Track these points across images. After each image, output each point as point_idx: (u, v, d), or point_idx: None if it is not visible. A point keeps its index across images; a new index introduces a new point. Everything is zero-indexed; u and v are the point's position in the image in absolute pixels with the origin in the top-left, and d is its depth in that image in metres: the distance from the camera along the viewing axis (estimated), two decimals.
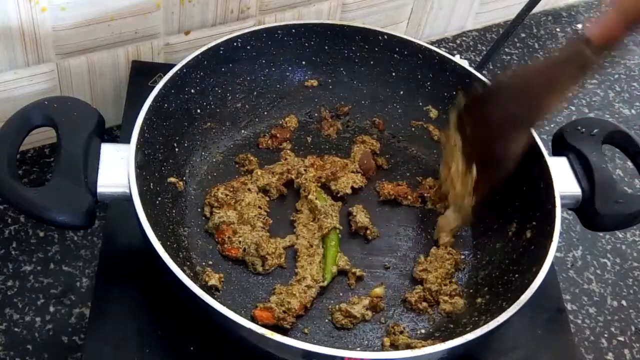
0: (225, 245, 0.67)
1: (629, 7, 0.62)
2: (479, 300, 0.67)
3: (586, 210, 0.69)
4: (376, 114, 0.82)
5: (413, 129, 0.81)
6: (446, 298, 0.67)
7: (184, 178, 0.72)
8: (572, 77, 0.65)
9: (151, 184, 0.65)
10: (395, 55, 0.79)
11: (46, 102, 0.63)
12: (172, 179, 0.69)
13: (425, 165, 0.79)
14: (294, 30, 0.78)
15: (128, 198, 0.60)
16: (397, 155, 0.79)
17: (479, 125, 0.68)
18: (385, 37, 0.79)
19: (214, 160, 0.75)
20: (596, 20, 0.63)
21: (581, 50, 0.63)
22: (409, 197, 0.75)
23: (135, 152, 0.62)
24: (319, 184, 0.74)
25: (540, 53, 1.06)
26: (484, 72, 0.94)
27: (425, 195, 0.75)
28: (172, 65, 0.70)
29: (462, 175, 0.70)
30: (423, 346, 0.57)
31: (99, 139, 0.63)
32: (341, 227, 0.70)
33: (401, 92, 0.81)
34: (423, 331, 0.66)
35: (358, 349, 0.64)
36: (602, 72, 1.06)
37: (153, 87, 0.67)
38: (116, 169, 0.61)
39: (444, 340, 0.56)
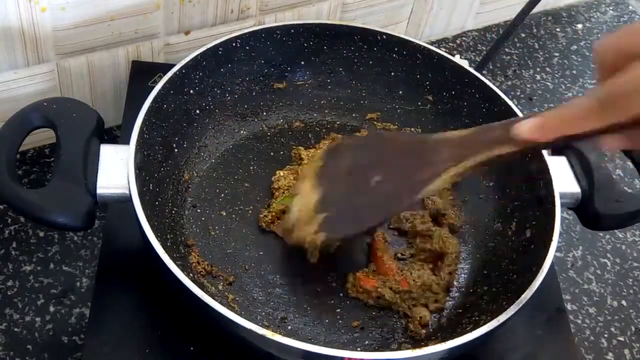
0: None
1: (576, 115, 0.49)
2: (479, 300, 0.67)
3: (586, 210, 0.69)
4: (375, 114, 0.82)
5: (412, 129, 0.81)
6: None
7: (183, 178, 0.72)
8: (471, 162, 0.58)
9: (151, 185, 0.65)
10: (394, 55, 0.79)
11: (45, 104, 0.63)
12: (172, 180, 0.69)
13: None
14: (292, 31, 0.78)
15: (128, 199, 0.60)
16: None
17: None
18: (385, 37, 0.79)
19: (213, 161, 0.75)
20: (530, 120, 0.53)
21: (498, 142, 0.55)
22: None
23: (134, 153, 0.62)
24: None
25: (540, 53, 1.06)
26: (484, 72, 0.94)
27: None
28: (172, 66, 0.70)
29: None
30: (423, 346, 0.57)
31: (98, 140, 0.63)
32: None
33: (400, 92, 0.81)
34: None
35: None
36: None
37: (153, 87, 0.67)
38: (116, 170, 0.61)
39: (444, 340, 0.56)
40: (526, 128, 0.53)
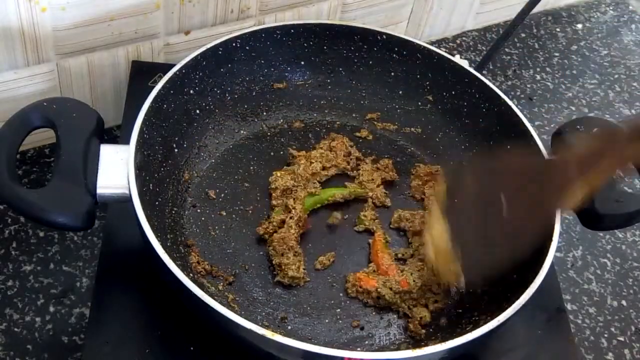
0: None
1: None
2: (479, 300, 0.67)
3: (586, 210, 0.69)
4: (375, 114, 0.82)
5: (412, 129, 0.81)
6: None
7: (183, 178, 0.72)
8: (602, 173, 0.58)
9: (150, 185, 0.65)
10: (394, 55, 0.79)
11: (45, 104, 0.63)
12: (172, 180, 0.69)
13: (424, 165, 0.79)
14: (292, 31, 0.78)
15: (128, 199, 0.60)
16: (395, 155, 0.79)
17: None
18: (384, 37, 0.79)
19: (213, 161, 0.75)
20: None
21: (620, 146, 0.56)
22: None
23: (134, 153, 0.62)
24: None
25: (540, 53, 1.06)
26: (484, 72, 0.94)
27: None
28: (172, 65, 0.70)
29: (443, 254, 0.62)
30: (423, 346, 0.57)
31: (98, 140, 0.63)
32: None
33: (400, 92, 0.81)
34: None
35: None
36: (602, 72, 1.06)
37: (153, 87, 0.67)
38: (116, 170, 0.61)
39: (444, 340, 0.56)
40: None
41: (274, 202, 0.72)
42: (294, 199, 0.70)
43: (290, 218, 0.68)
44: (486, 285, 0.65)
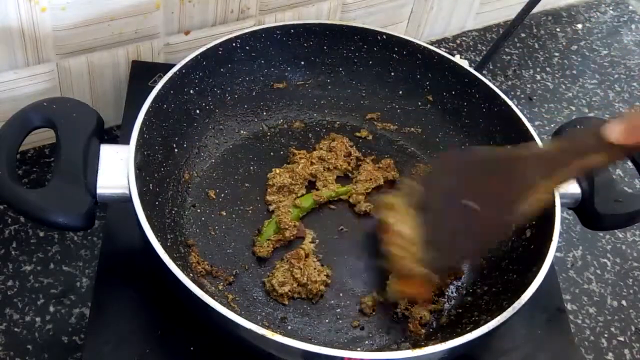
0: None
1: None
2: (479, 300, 0.67)
3: (586, 210, 0.69)
4: (375, 114, 0.82)
5: (412, 129, 0.81)
6: None
7: (183, 178, 0.72)
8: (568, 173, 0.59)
9: (150, 185, 0.65)
10: (394, 55, 0.79)
11: (45, 104, 0.63)
12: (172, 180, 0.69)
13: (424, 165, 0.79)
14: (292, 31, 0.78)
15: (128, 199, 0.60)
16: (395, 155, 0.79)
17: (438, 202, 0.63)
18: (384, 37, 0.79)
19: (213, 161, 0.75)
20: (619, 122, 0.54)
21: (589, 151, 0.56)
22: None
23: (134, 153, 0.62)
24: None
25: (540, 53, 1.06)
26: (484, 72, 0.94)
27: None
28: (172, 65, 0.70)
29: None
30: (423, 346, 0.57)
31: (98, 140, 0.63)
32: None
33: (400, 92, 0.81)
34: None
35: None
36: (602, 72, 1.06)
37: (153, 87, 0.67)
38: (116, 170, 0.61)
39: (444, 340, 0.56)
40: (615, 130, 0.54)
41: (268, 197, 0.72)
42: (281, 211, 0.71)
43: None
44: (451, 275, 0.66)
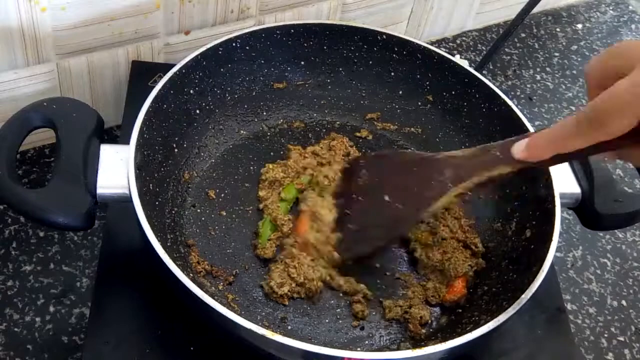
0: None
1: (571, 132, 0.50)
2: (479, 300, 0.67)
3: (586, 210, 0.69)
4: (375, 114, 0.82)
5: (412, 128, 0.81)
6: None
7: (183, 178, 0.72)
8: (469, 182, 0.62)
9: (150, 185, 0.65)
10: (394, 55, 0.79)
11: (45, 104, 0.63)
12: (172, 180, 0.69)
13: None
14: (292, 31, 0.78)
15: (128, 199, 0.60)
16: None
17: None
18: (384, 37, 0.79)
19: (213, 161, 0.75)
20: (523, 141, 0.56)
21: (497, 163, 0.59)
22: None
23: (134, 153, 0.62)
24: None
25: (540, 53, 1.06)
26: (484, 72, 0.94)
27: None
28: (172, 65, 0.70)
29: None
30: (423, 346, 0.57)
31: (98, 140, 0.63)
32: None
33: (400, 92, 0.81)
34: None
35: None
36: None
37: (153, 87, 0.67)
38: (116, 170, 0.61)
39: (444, 340, 0.56)
40: (518, 149, 0.56)
41: (259, 193, 0.72)
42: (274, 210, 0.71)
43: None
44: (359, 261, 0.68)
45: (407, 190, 0.65)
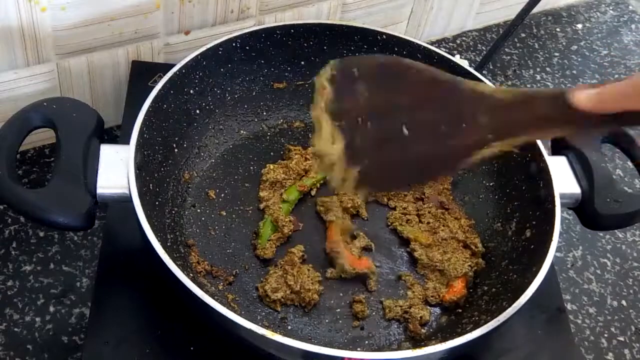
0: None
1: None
2: (479, 300, 0.67)
3: (586, 210, 0.69)
4: None
5: None
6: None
7: (183, 178, 0.72)
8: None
9: (150, 185, 0.65)
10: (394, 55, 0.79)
11: (45, 104, 0.63)
12: (172, 180, 0.69)
13: None
14: (292, 31, 0.78)
15: (128, 199, 0.60)
16: None
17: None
18: (384, 36, 0.79)
19: (213, 161, 0.75)
20: (587, 90, 0.48)
21: (552, 119, 0.50)
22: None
23: (134, 153, 0.62)
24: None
25: (540, 53, 1.06)
26: (484, 72, 0.94)
27: None
28: (172, 65, 0.70)
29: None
30: (423, 346, 0.57)
31: (98, 140, 0.63)
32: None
33: None
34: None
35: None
36: (602, 72, 1.06)
37: (153, 87, 0.67)
38: (116, 170, 0.61)
39: (444, 340, 0.56)
40: (583, 97, 0.48)
41: (260, 193, 0.72)
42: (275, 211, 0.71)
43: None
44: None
45: (433, 126, 0.52)
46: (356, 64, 0.55)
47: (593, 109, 0.48)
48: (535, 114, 0.50)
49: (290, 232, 0.69)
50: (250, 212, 0.72)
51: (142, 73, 0.78)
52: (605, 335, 0.77)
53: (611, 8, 1.17)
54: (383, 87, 0.54)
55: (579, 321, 0.77)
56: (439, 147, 0.52)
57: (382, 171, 0.54)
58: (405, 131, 0.52)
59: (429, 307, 0.67)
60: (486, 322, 0.57)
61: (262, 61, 0.78)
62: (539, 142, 0.70)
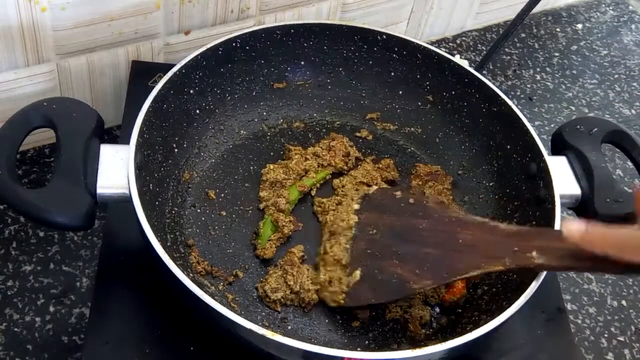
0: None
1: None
2: (479, 300, 0.67)
3: (586, 210, 0.69)
4: (375, 114, 0.82)
5: (412, 128, 0.81)
6: None
7: (183, 178, 0.72)
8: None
9: (150, 185, 0.65)
10: (394, 55, 0.79)
11: (45, 103, 0.63)
12: (172, 180, 0.69)
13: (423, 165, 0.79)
14: (292, 31, 0.78)
15: (128, 199, 0.60)
16: (395, 155, 0.79)
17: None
18: (384, 37, 0.79)
19: (213, 161, 0.75)
20: (582, 225, 0.54)
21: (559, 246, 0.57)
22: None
23: (134, 153, 0.62)
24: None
25: (540, 53, 1.06)
26: (484, 72, 0.94)
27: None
28: (172, 65, 0.70)
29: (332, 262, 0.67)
30: (423, 346, 0.57)
31: (98, 140, 0.63)
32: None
33: (400, 92, 0.81)
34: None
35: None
36: (602, 72, 1.06)
37: (153, 87, 0.67)
38: (116, 170, 0.61)
39: (444, 340, 0.56)
40: (575, 229, 0.54)
41: (260, 193, 0.72)
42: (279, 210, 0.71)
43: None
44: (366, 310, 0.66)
45: (431, 254, 0.63)
46: (383, 196, 0.70)
47: (582, 245, 0.54)
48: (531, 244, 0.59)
49: (290, 232, 0.69)
50: (250, 212, 0.72)
51: (142, 73, 0.78)
52: (605, 335, 0.77)
53: (611, 8, 1.17)
54: (399, 219, 0.67)
55: (579, 321, 0.77)
56: (430, 269, 0.62)
57: (370, 286, 0.63)
58: (402, 249, 0.64)
59: (428, 307, 0.67)
60: (486, 322, 0.57)
61: (262, 61, 0.78)
62: (539, 142, 0.70)
